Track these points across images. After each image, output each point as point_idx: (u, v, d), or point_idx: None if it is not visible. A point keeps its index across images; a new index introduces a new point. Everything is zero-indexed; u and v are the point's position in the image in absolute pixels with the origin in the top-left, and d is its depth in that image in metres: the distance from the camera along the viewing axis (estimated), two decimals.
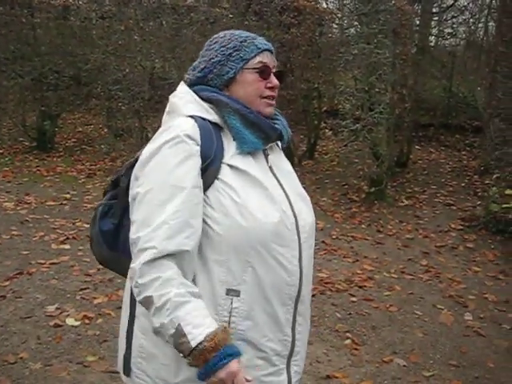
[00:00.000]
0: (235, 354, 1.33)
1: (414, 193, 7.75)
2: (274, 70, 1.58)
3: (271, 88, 1.56)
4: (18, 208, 6.37)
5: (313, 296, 4.34)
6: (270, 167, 1.57)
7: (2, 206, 6.37)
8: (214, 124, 1.51)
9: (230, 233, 1.42)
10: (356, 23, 8.61)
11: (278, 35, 7.36)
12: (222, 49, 1.55)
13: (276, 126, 1.58)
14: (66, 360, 3.37)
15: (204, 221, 1.43)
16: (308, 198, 1.66)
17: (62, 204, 6.64)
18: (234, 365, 1.31)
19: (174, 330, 1.32)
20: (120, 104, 8.48)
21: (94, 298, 4.18)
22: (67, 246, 5.23)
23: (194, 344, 1.30)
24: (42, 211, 6.30)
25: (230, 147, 1.50)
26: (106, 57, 8.46)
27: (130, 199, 1.48)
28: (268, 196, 1.48)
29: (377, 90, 6.91)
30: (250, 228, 1.42)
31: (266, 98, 1.56)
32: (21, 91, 9.57)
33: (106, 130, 10.71)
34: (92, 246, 1.69)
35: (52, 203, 6.63)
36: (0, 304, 4.03)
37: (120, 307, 1.72)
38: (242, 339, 1.45)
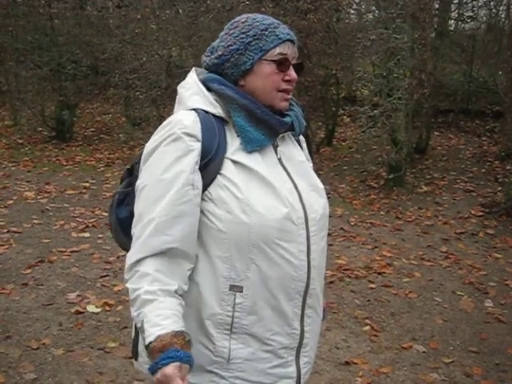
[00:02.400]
0: (176, 358, 1.28)
1: (434, 179, 7.68)
2: (293, 62, 1.51)
3: (288, 81, 1.50)
4: (39, 197, 6.45)
5: (331, 283, 4.36)
6: (280, 159, 1.53)
7: (22, 196, 6.46)
8: (219, 118, 1.48)
9: (233, 230, 1.41)
10: (374, 8, 8.50)
11: (295, 21, 7.29)
12: (241, 36, 1.48)
13: (286, 119, 1.53)
14: (87, 346, 3.42)
15: (207, 217, 1.43)
16: (322, 188, 1.61)
17: (81, 193, 6.71)
18: (169, 368, 1.27)
19: (139, 324, 1.37)
20: (137, 93, 8.51)
21: (114, 285, 4.23)
22: (87, 234, 5.29)
23: (147, 341, 1.33)
24: (61, 200, 6.37)
25: (233, 142, 1.47)
26: (123, 46, 8.50)
27: (135, 191, 1.51)
28: (273, 192, 1.45)
29: (395, 75, 6.82)
30: (252, 225, 1.40)
31: (282, 91, 1.50)
32: (39, 82, 9.66)
33: (123, 119, 10.77)
34: (112, 232, 1.72)
35: (71, 192, 6.70)
36: (22, 291, 4.09)
37: None
38: (246, 333, 1.45)
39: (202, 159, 1.42)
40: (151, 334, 1.32)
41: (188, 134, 1.42)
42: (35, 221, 5.61)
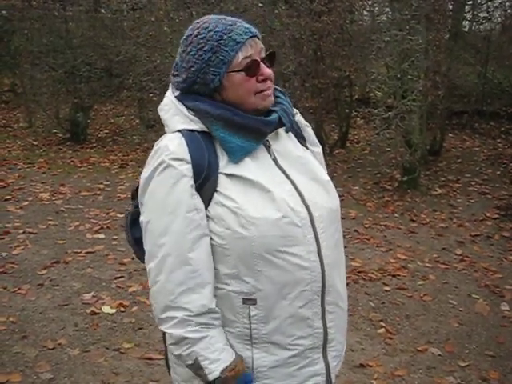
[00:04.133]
0: (250, 382, 1.43)
1: (448, 181, 7.63)
2: (262, 55, 1.43)
3: (264, 80, 1.43)
4: (54, 198, 6.50)
5: (346, 285, 4.33)
6: (274, 159, 1.47)
7: (38, 197, 6.51)
8: (205, 133, 1.43)
9: (234, 245, 1.38)
10: (388, 9, 8.47)
11: (309, 23, 7.30)
12: (199, 53, 1.40)
13: (273, 116, 1.46)
14: (102, 347, 3.44)
15: (210, 237, 1.41)
16: (327, 180, 1.54)
17: (95, 194, 6.75)
18: None
19: (191, 362, 1.39)
20: (151, 95, 8.55)
21: (129, 286, 4.25)
22: (101, 236, 5.32)
23: (211, 378, 1.38)
24: (76, 201, 6.41)
25: (223, 155, 1.43)
26: (137, 48, 8.53)
27: None
28: (271, 198, 1.40)
29: (409, 77, 6.78)
30: (253, 238, 1.37)
31: (260, 92, 1.43)
32: (54, 84, 9.74)
33: (137, 121, 10.82)
34: (133, 252, 1.70)
35: (86, 193, 6.74)
36: (38, 292, 4.13)
37: None
38: (267, 342, 1.44)
39: (195, 180, 1.38)
40: (213, 370, 1.38)
41: (176, 159, 1.38)
42: (50, 222, 5.66)
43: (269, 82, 1.44)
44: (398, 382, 3.22)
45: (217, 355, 1.38)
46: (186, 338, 1.37)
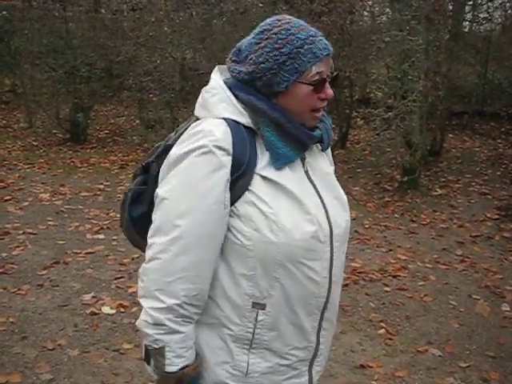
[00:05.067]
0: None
1: (448, 182, 7.62)
2: (329, 74, 1.41)
3: (324, 99, 1.41)
4: (54, 199, 6.49)
5: (346, 285, 4.33)
6: (306, 172, 1.46)
7: (38, 197, 6.50)
8: (248, 128, 1.39)
9: (259, 248, 1.35)
10: (388, 10, 8.48)
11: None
12: (275, 53, 1.35)
13: (316, 132, 1.45)
14: (102, 347, 3.43)
15: (232, 233, 1.37)
16: (345, 200, 1.56)
17: (95, 195, 6.75)
18: None
19: (156, 347, 1.38)
20: (151, 95, 8.56)
21: (129, 286, 4.24)
22: (101, 236, 5.32)
23: (168, 369, 1.38)
24: (76, 202, 6.41)
25: (263, 155, 1.39)
26: (137, 48, 8.54)
27: (154, 196, 1.43)
28: (302, 209, 1.39)
29: (409, 77, 6.78)
30: (280, 244, 1.35)
31: (315, 110, 1.42)
32: (54, 84, 9.73)
33: (137, 122, 10.82)
34: (123, 230, 1.66)
35: (86, 194, 6.74)
36: (38, 292, 4.12)
37: None
38: (265, 348, 1.44)
39: (232, 174, 1.34)
40: (175, 363, 1.37)
41: (220, 148, 1.32)
42: (50, 222, 5.65)
43: (325, 102, 1.43)
44: (398, 382, 3.21)
45: (183, 352, 1.38)
46: (164, 325, 1.35)
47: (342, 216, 1.51)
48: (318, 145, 1.51)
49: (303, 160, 1.47)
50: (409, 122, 6.81)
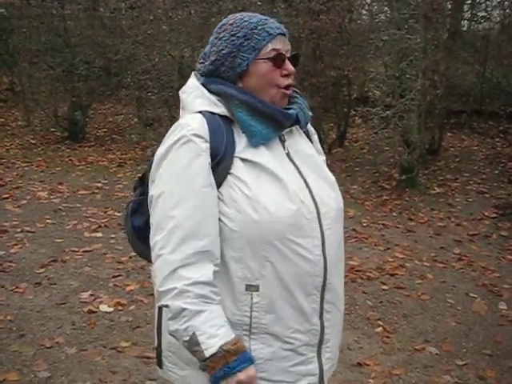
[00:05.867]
0: (252, 361, 1.39)
1: (446, 180, 7.63)
2: (288, 55, 1.50)
3: (287, 75, 1.49)
4: (52, 197, 6.49)
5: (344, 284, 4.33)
6: (288, 153, 1.51)
7: (36, 195, 6.50)
8: (225, 117, 1.47)
9: (244, 228, 1.39)
10: (386, 8, 8.48)
11: (307, 22, 7.30)
12: (232, 38, 1.47)
13: (291, 111, 1.51)
14: (100, 345, 3.43)
15: (219, 218, 1.41)
16: (333, 181, 1.60)
17: (93, 193, 6.74)
18: (252, 369, 1.38)
19: (188, 337, 1.35)
20: (150, 94, 8.54)
21: (127, 285, 4.24)
22: (99, 234, 5.32)
23: (207, 354, 1.34)
24: (74, 200, 6.40)
25: (241, 140, 1.46)
26: (136, 47, 8.53)
27: (148, 201, 1.48)
28: (283, 187, 1.43)
29: (408, 76, 6.79)
30: (263, 222, 1.38)
31: (283, 88, 1.49)
32: (52, 82, 9.72)
33: (136, 120, 10.82)
34: (129, 242, 1.71)
35: (84, 192, 6.74)
36: (36, 290, 4.12)
37: (152, 294, 1.75)
38: (266, 333, 1.44)
39: (211, 160, 1.40)
40: (211, 345, 1.33)
41: (197, 136, 1.40)
42: (48, 220, 5.65)
43: (290, 79, 1.50)
44: (395, 380, 3.22)
45: (215, 330, 1.34)
46: (185, 309, 1.33)
47: (329, 195, 1.54)
48: (298, 127, 1.57)
49: (283, 142, 1.53)
50: (407, 121, 6.82)
